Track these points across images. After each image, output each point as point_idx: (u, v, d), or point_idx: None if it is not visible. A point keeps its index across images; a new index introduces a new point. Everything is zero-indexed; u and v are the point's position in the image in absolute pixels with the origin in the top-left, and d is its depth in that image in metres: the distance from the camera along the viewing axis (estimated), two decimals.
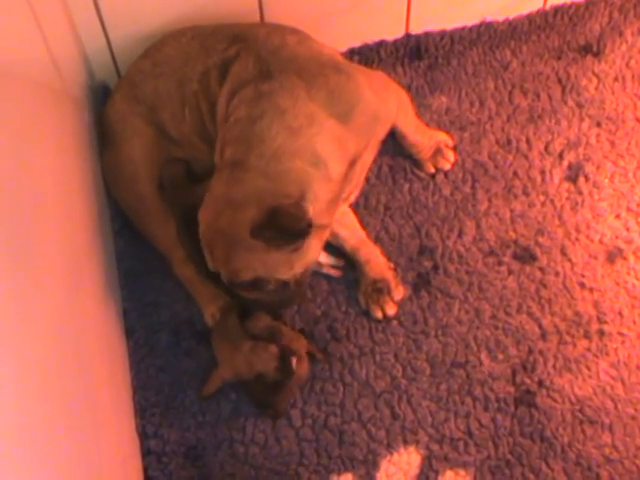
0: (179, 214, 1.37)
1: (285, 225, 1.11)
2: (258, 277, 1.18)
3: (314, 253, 1.21)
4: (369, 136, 1.27)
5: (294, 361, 1.32)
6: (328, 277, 1.48)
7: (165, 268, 1.45)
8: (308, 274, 1.24)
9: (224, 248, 1.16)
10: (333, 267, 1.48)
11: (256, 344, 1.32)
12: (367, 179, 1.55)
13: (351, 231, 1.47)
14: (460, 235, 1.51)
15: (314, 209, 1.15)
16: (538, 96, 1.62)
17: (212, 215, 1.17)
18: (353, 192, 1.35)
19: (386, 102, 1.30)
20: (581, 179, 1.55)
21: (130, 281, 1.47)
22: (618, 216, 1.52)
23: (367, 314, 1.45)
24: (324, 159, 1.17)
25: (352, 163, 1.24)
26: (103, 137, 1.46)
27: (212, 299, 1.42)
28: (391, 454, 1.35)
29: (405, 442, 1.36)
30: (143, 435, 1.37)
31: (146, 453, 1.36)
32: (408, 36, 1.65)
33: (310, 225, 1.13)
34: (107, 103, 1.48)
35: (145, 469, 1.35)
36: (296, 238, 1.14)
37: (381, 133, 1.32)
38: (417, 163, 1.56)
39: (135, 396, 1.40)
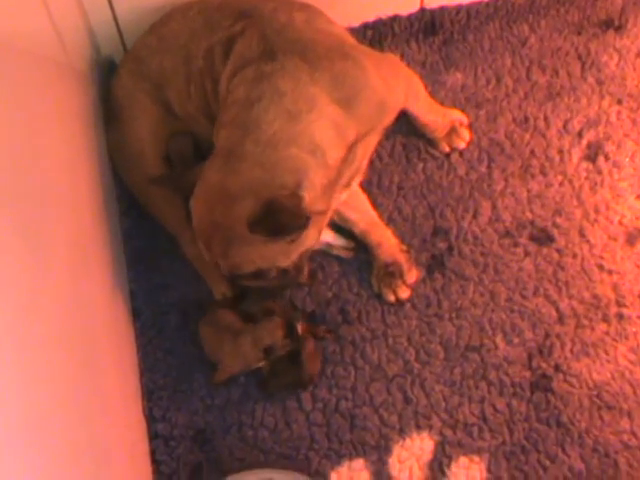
0: (186, 192, 1.31)
1: (282, 219, 1.11)
2: (259, 269, 1.17)
3: (311, 241, 1.21)
4: (372, 124, 1.24)
5: (299, 327, 1.31)
6: (339, 258, 1.47)
7: (173, 248, 1.43)
8: (306, 257, 1.24)
9: (221, 242, 1.15)
10: (344, 248, 1.46)
11: (261, 324, 1.32)
12: (380, 158, 1.53)
13: (361, 214, 1.45)
14: (475, 216, 1.49)
15: (309, 197, 1.14)
16: (557, 73, 1.59)
17: (206, 206, 1.16)
18: (355, 178, 1.32)
19: (393, 90, 1.27)
20: (601, 158, 1.52)
21: (137, 262, 1.46)
22: (639, 197, 1.49)
23: (380, 297, 1.44)
24: (322, 147, 1.15)
25: (351, 147, 1.22)
26: (109, 114, 1.44)
27: (222, 278, 1.38)
28: (403, 439, 1.35)
29: (418, 427, 1.35)
30: (150, 418, 1.37)
31: (153, 437, 1.36)
32: (423, 10, 1.62)
33: (308, 217, 1.12)
34: (113, 78, 1.46)
35: (152, 453, 1.35)
36: (294, 232, 1.13)
37: (386, 121, 1.29)
38: (431, 142, 1.54)
39: (142, 379, 1.39)
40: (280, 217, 1.10)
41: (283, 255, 1.18)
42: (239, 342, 1.32)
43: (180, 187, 1.25)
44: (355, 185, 1.38)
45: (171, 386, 1.39)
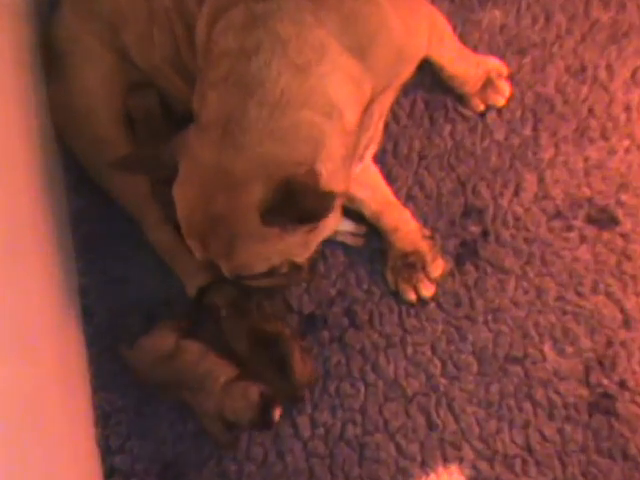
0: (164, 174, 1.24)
1: (304, 202, 1.06)
2: (273, 266, 1.14)
3: (331, 228, 1.18)
4: (389, 77, 1.18)
5: (277, 413, 1.26)
6: (345, 246, 1.41)
7: (134, 233, 1.40)
8: (320, 248, 1.21)
9: (224, 239, 1.10)
10: (351, 234, 1.40)
11: (231, 383, 1.26)
12: (396, 119, 1.46)
13: (372, 191, 1.40)
14: (517, 192, 1.43)
15: (327, 172, 1.07)
16: (624, 7, 1.49)
17: (200, 195, 1.08)
18: (370, 147, 1.29)
19: (414, 34, 1.20)
20: None
21: (89, 250, 1.42)
22: None
23: (396, 295, 1.39)
24: (339, 107, 1.08)
25: (367, 107, 1.15)
26: (49, 62, 1.37)
27: (197, 270, 1.34)
28: (427, 474, 1.32)
29: (445, 459, 1.32)
30: (105, 449, 1.34)
31: (109, 473, 1.35)
32: None
33: (334, 196, 1.08)
34: (54, 17, 1.38)
35: None
36: (320, 216, 1.07)
37: (405, 73, 1.23)
38: (461, 98, 1.47)
39: (95, 399, 1.36)
40: (301, 200, 1.05)
41: (301, 247, 1.15)
42: (198, 399, 1.27)
43: (154, 169, 1.17)
44: (369, 157, 1.34)
45: (132, 408, 1.35)
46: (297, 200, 1.05)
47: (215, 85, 1.09)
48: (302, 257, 1.17)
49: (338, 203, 1.15)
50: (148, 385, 1.30)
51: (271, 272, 1.16)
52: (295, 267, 1.18)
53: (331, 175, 1.08)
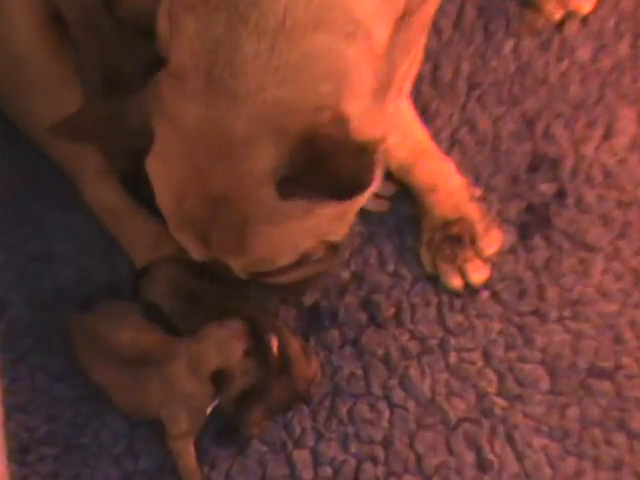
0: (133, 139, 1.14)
1: (338, 167, 0.99)
2: (305, 253, 1.11)
3: (372, 189, 1.11)
4: None
5: (274, 342, 1.20)
6: (364, 212, 1.29)
7: (66, 190, 1.30)
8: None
9: (233, 227, 1.05)
10: (375, 195, 1.29)
11: (203, 332, 1.20)
12: (438, 32, 1.37)
13: (402, 134, 1.31)
14: (608, 135, 1.30)
15: (356, 115, 1.01)
16: None
17: (190, 170, 1.03)
18: (409, 72, 1.21)
19: None
20: None
21: (1, 217, 1.34)
22: None
23: (435, 280, 1.29)
24: (364, 23, 1.00)
25: (403, 19, 1.07)
26: None
27: (153, 241, 1.29)
28: None
29: None
30: None
31: None
32: None
33: (375, 152, 1.02)
34: None
35: None
36: (363, 186, 1.03)
37: None
38: (529, 3, 1.35)
39: (8, 425, 1.24)
40: (331, 160, 0.99)
41: (337, 221, 1.11)
42: (168, 372, 1.18)
43: (118, 137, 1.06)
44: (408, 84, 1.27)
45: (61, 437, 1.24)
46: (326, 162, 0.98)
47: (190, 8, 0.97)
48: (340, 233, 1.13)
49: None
50: (100, 373, 1.22)
51: (300, 261, 1.12)
52: (332, 249, 1.15)
53: (362, 118, 1.01)
